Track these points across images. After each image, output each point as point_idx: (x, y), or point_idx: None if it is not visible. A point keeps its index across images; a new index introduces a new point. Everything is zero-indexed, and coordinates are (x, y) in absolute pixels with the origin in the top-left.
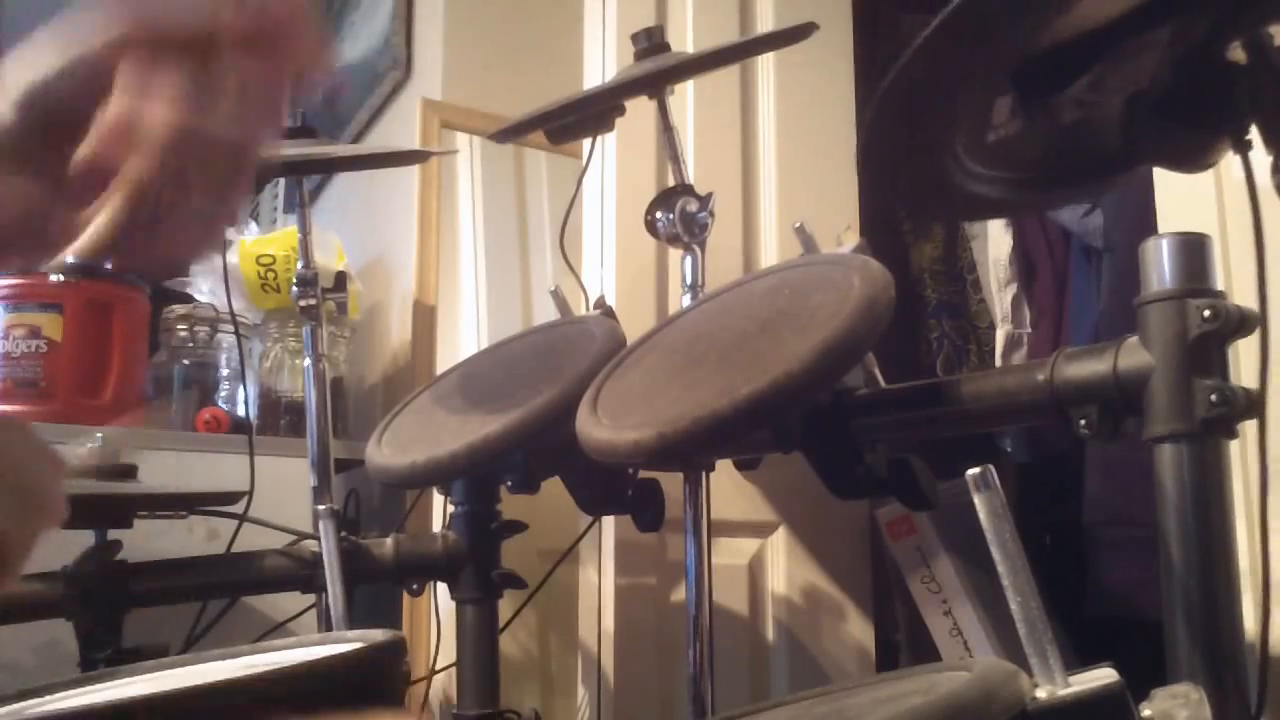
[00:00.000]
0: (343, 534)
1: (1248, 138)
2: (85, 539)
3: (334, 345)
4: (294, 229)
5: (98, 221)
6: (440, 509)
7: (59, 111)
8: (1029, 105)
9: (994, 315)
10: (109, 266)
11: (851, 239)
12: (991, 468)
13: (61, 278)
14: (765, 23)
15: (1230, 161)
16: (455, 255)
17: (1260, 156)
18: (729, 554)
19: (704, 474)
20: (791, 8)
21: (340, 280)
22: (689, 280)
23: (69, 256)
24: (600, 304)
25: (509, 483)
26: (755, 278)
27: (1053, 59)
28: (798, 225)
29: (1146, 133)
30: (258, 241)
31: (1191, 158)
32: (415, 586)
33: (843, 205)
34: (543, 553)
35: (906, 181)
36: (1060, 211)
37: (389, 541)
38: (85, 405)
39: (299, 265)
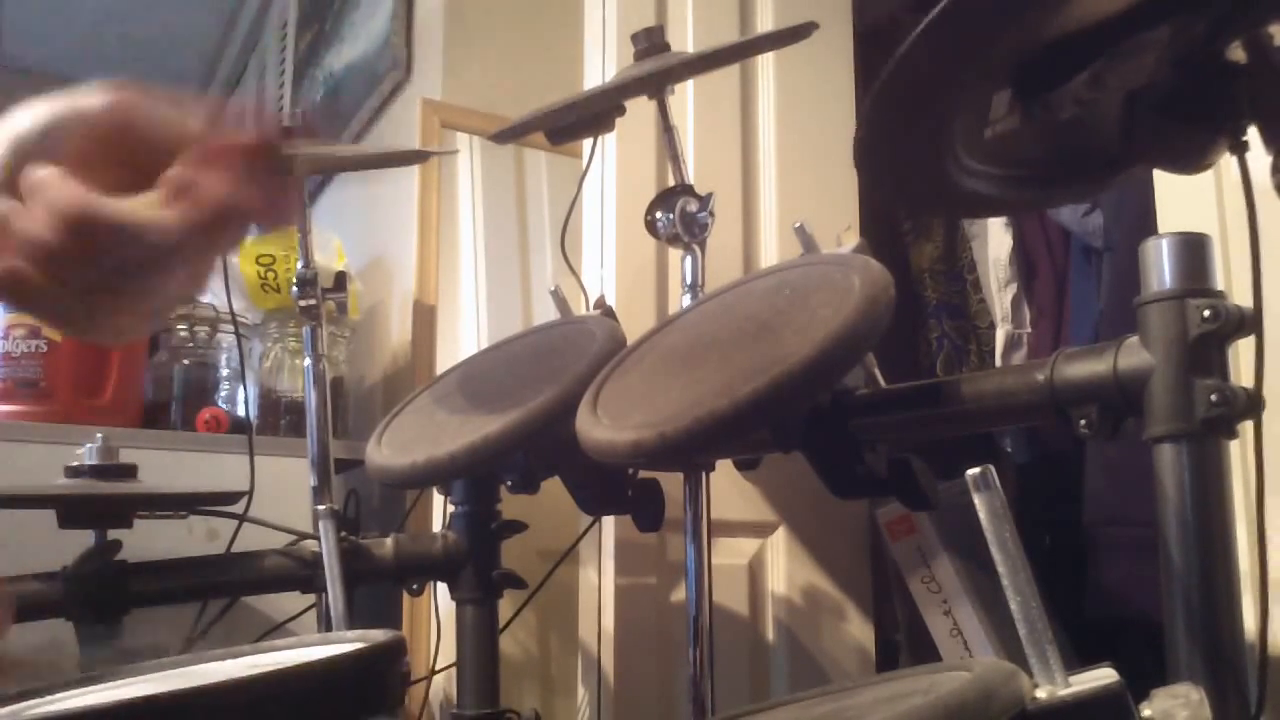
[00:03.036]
0: (343, 534)
1: (1244, 138)
2: (85, 539)
3: (334, 345)
4: (294, 229)
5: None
6: (440, 509)
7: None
8: (1027, 101)
9: (994, 315)
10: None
11: (851, 239)
12: (991, 468)
13: None
14: (765, 23)
15: (1230, 161)
16: (455, 255)
17: (1259, 156)
18: (729, 554)
19: (704, 474)
20: (791, 8)
21: (340, 280)
22: (689, 280)
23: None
24: (600, 304)
25: (509, 483)
26: (755, 278)
27: (1052, 55)
28: (798, 225)
29: (1144, 132)
30: (258, 241)
31: (1189, 158)
32: (415, 586)
33: (843, 205)
34: (543, 553)
35: (902, 176)
36: (1060, 211)
37: (389, 541)
38: (85, 405)
39: (299, 265)
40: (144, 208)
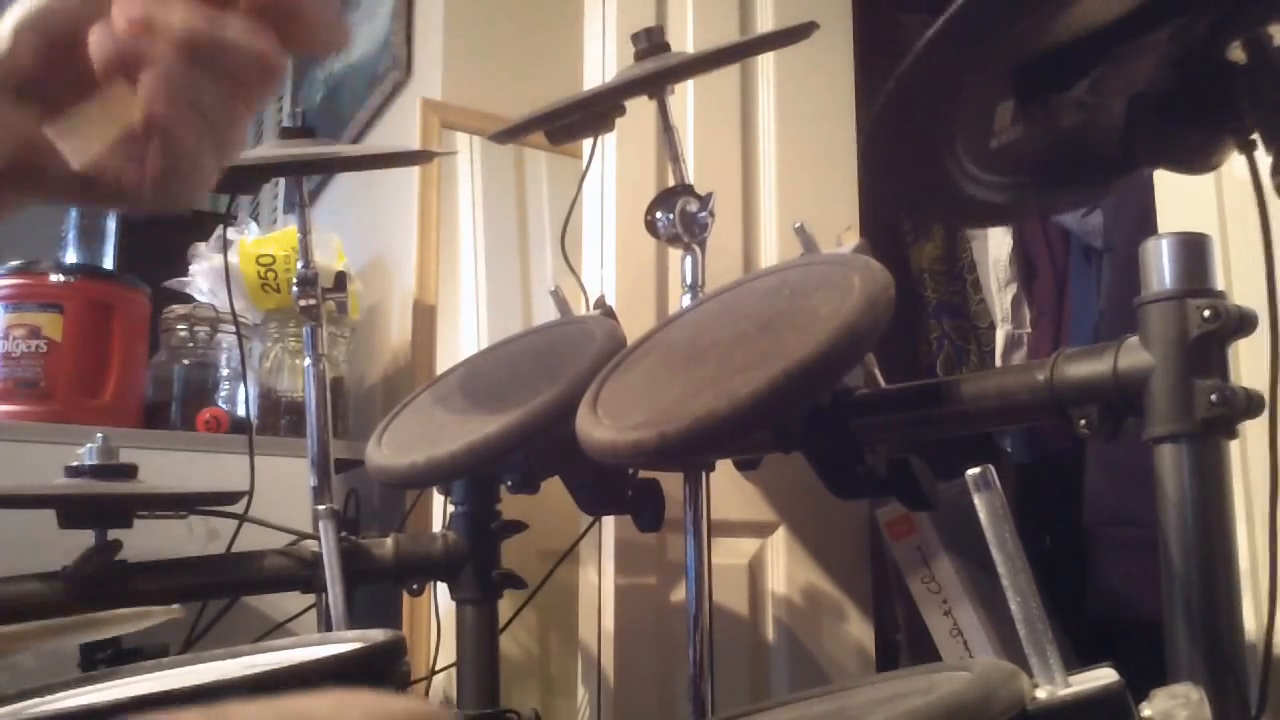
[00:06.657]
0: (343, 534)
1: (1252, 137)
2: (85, 539)
3: (334, 345)
4: (294, 229)
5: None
6: (440, 509)
7: (59, 34)
8: (1029, 108)
9: (994, 315)
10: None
11: (851, 239)
12: (991, 468)
13: (62, 278)
14: (765, 23)
15: (1231, 161)
16: (455, 255)
17: (1263, 156)
18: (729, 554)
19: (704, 474)
20: (791, 8)
21: (340, 280)
22: (689, 280)
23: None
24: (600, 304)
25: (509, 483)
26: (755, 278)
27: (1053, 60)
28: (798, 225)
29: (1148, 135)
30: (258, 241)
31: (1195, 158)
32: (415, 586)
33: (843, 205)
34: (543, 553)
35: (910, 186)
36: None
37: (389, 541)
38: (85, 405)
39: (299, 265)
40: None
